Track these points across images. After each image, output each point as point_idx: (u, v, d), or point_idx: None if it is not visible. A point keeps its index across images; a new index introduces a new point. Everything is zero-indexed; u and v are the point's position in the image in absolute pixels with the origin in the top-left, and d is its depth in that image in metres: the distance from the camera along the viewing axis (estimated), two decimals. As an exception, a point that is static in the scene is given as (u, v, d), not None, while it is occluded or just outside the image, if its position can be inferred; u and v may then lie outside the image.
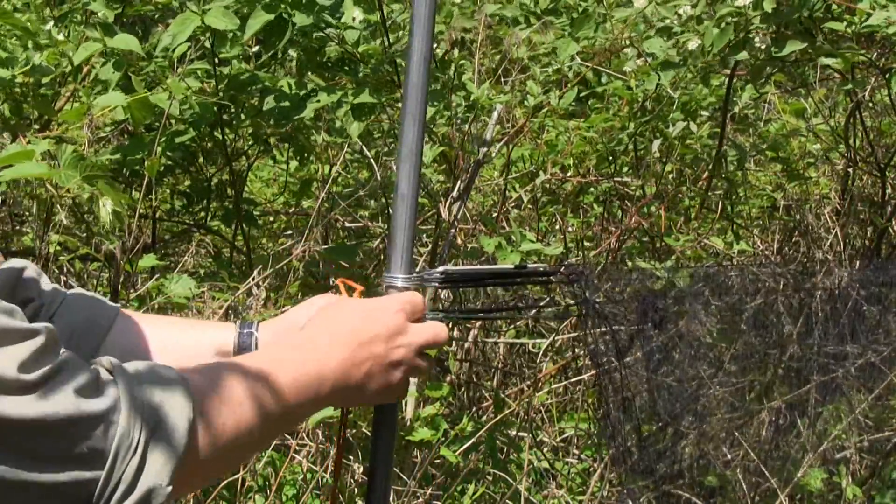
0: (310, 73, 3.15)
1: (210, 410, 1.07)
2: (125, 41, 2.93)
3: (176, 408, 1.03)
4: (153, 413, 1.01)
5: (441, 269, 1.43)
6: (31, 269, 1.35)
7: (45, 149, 2.51)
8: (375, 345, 1.26)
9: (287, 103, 3.07)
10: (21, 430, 0.95)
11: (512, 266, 1.52)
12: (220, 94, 3.12)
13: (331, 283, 3.46)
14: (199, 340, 1.43)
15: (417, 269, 1.40)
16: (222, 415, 1.08)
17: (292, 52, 3.27)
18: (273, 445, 3.20)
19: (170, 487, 1.01)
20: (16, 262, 1.34)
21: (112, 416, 0.99)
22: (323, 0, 2.90)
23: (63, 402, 0.97)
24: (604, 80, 3.61)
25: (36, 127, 3.24)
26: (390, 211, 3.52)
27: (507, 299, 4.02)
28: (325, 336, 1.25)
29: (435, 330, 1.33)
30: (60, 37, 3.18)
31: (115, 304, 1.43)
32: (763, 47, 2.81)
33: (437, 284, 1.42)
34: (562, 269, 1.53)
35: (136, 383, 1.03)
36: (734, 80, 3.39)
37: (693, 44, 2.99)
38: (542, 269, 1.55)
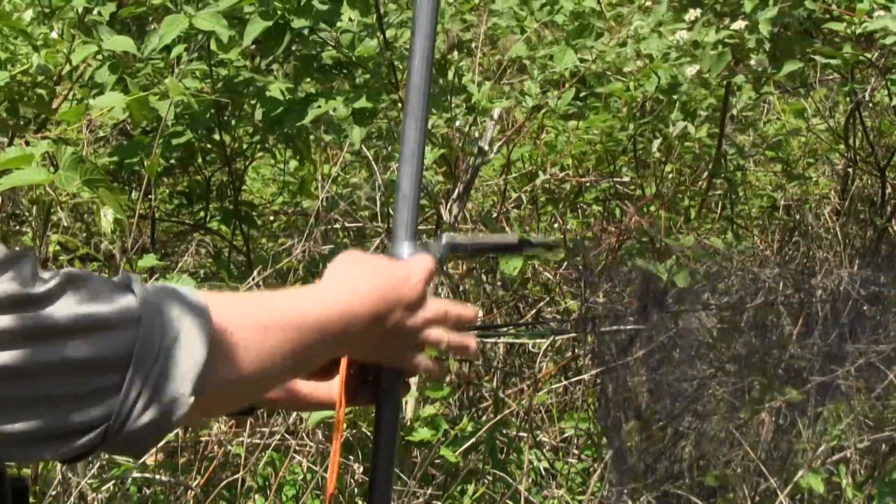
0: (307, 78, 3.14)
1: (230, 328, 1.05)
2: (121, 43, 2.93)
3: (195, 320, 1.01)
4: (171, 323, 0.99)
5: (445, 239, 1.42)
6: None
7: (45, 150, 2.50)
8: (398, 309, 1.24)
9: (281, 108, 3.07)
10: (38, 343, 0.92)
11: (517, 239, 1.51)
12: (218, 95, 3.12)
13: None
14: None
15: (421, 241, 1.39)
16: (243, 334, 1.06)
17: (293, 52, 3.27)
18: (273, 445, 3.20)
19: (192, 398, 0.99)
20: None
21: (130, 323, 0.96)
22: (319, 5, 2.90)
23: (77, 309, 0.94)
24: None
25: (33, 127, 3.24)
26: (391, 211, 3.53)
27: (507, 299, 4.03)
28: (351, 289, 1.22)
29: (445, 306, 1.30)
30: (54, 35, 3.17)
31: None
32: (760, 69, 2.82)
33: (444, 253, 1.40)
34: (566, 244, 1.53)
35: (154, 294, 1.00)
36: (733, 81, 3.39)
37: (691, 70, 2.99)
38: (549, 242, 1.53)
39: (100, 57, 3.02)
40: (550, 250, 1.56)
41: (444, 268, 3.17)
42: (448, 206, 3.28)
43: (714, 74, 2.89)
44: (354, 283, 1.23)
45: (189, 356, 0.99)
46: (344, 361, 1.47)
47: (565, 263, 3.99)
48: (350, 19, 3.06)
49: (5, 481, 1.10)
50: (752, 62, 2.84)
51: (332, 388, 1.42)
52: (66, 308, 0.94)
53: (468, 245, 1.48)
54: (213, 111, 3.17)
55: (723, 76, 2.94)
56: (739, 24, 2.79)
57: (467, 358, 1.32)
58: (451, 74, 3.33)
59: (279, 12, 2.90)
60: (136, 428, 0.97)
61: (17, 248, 0.97)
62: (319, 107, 3.01)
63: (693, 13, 2.91)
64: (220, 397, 1.06)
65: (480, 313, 3.91)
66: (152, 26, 3.48)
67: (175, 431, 3.22)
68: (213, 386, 1.02)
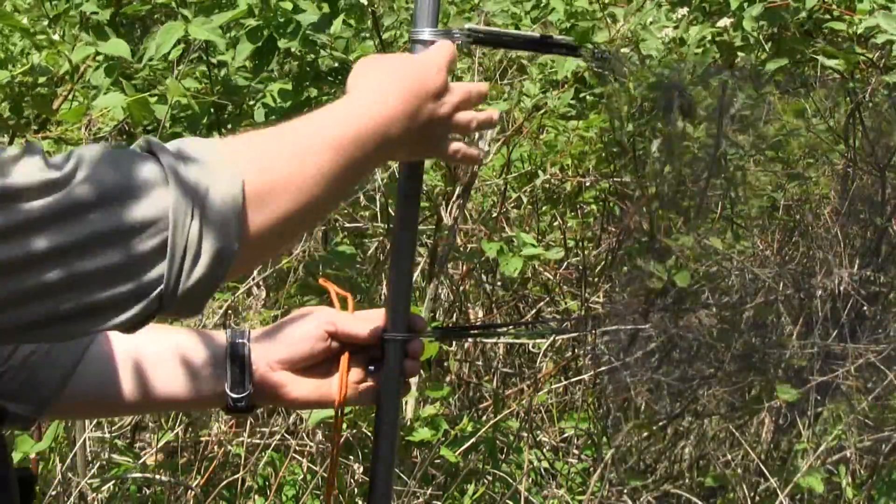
0: (305, 83, 3.14)
1: (264, 166, 1.03)
2: (116, 47, 2.93)
3: (226, 167, 1.00)
4: (202, 176, 0.97)
5: (468, 26, 1.42)
6: None
7: (45, 150, 2.50)
8: (427, 100, 1.23)
9: (277, 114, 3.07)
10: (74, 220, 0.92)
11: (538, 35, 1.50)
12: (217, 96, 3.12)
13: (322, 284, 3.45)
14: (190, 347, 1.39)
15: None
16: (279, 170, 1.04)
17: (291, 53, 3.27)
18: (273, 445, 3.20)
19: (237, 245, 0.98)
20: None
21: (158, 184, 0.95)
22: (309, 17, 2.90)
23: (104, 180, 0.93)
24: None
25: (34, 127, 3.24)
26: (391, 211, 3.53)
27: (507, 299, 4.03)
28: (377, 94, 1.20)
29: (466, 87, 1.30)
30: (56, 37, 3.17)
31: None
32: (747, 66, 2.82)
33: (464, 40, 1.40)
34: (588, 48, 1.52)
35: (178, 151, 0.99)
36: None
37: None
38: (571, 43, 1.52)
39: (98, 59, 3.02)
40: (573, 52, 1.54)
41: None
42: (448, 208, 3.28)
43: (699, 72, 2.89)
44: (381, 87, 1.21)
45: (226, 205, 0.98)
46: (344, 359, 1.47)
47: (565, 263, 3.99)
48: (345, 23, 3.05)
49: (11, 472, 1.10)
50: (738, 60, 2.84)
51: (332, 386, 1.42)
52: (92, 182, 0.93)
53: (489, 34, 1.48)
54: (211, 111, 3.17)
55: (714, 75, 2.94)
56: (725, 22, 2.79)
57: (491, 127, 1.33)
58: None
59: (266, 33, 2.91)
60: (190, 285, 0.97)
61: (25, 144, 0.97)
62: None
63: (681, 12, 2.91)
64: (272, 236, 1.04)
65: (480, 313, 3.91)
66: (156, 27, 3.48)
67: (176, 433, 3.23)
68: (258, 229, 1.01)
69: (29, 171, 0.92)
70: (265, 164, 1.04)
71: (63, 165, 0.94)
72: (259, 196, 1.02)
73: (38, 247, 0.91)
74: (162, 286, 0.96)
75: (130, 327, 0.98)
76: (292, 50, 3.11)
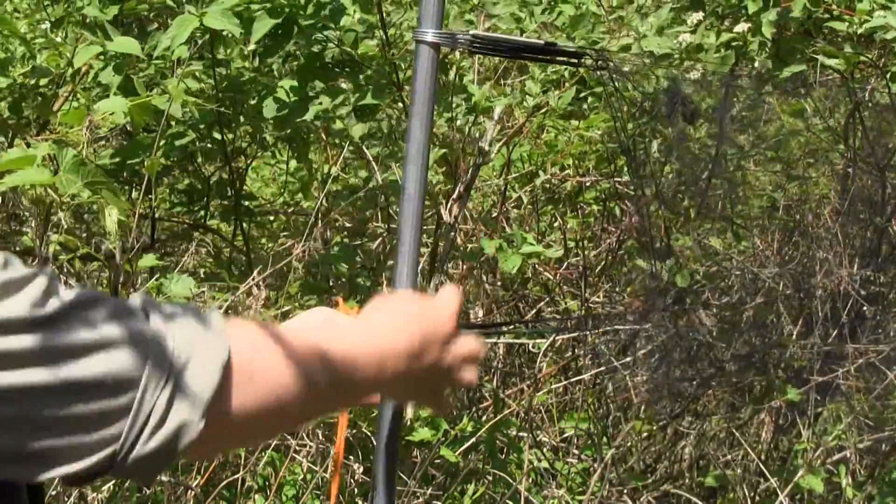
0: (311, 76, 3.15)
1: (249, 354, 1.01)
2: (124, 44, 2.93)
3: (211, 344, 0.98)
4: (185, 346, 0.97)
5: (472, 32, 1.43)
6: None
7: (46, 153, 2.50)
8: (432, 347, 1.21)
9: (287, 109, 3.08)
10: (47, 364, 0.91)
11: (542, 42, 1.50)
12: (220, 95, 3.12)
13: (331, 284, 3.46)
14: None
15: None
16: (263, 361, 1.02)
17: (293, 53, 3.27)
18: (273, 445, 3.20)
19: (202, 423, 0.96)
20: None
21: (140, 345, 0.94)
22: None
23: (88, 329, 0.92)
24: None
25: (35, 128, 3.24)
26: (391, 212, 3.53)
27: (507, 299, 4.03)
28: (384, 325, 1.18)
29: (475, 344, 1.27)
30: (58, 39, 3.17)
31: None
32: (763, 70, 2.82)
33: (467, 46, 1.41)
34: (590, 52, 1.53)
35: (168, 316, 0.98)
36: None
37: (695, 73, 2.99)
38: (575, 51, 1.52)
39: (102, 58, 3.02)
40: (576, 59, 1.54)
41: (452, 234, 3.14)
42: (448, 206, 3.28)
43: (717, 78, 2.89)
44: (392, 320, 1.20)
45: (201, 380, 0.96)
46: None
47: (565, 263, 3.99)
48: (352, 16, 3.06)
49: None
50: (757, 64, 2.84)
51: None
52: (75, 329, 0.92)
53: (493, 41, 1.48)
54: (214, 110, 3.17)
55: (723, 81, 2.95)
56: (742, 27, 2.79)
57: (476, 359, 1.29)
58: (452, 74, 3.33)
59: (287, 10, 2.90)
60: (144, 453, 0.95)
61: (35, 266, 0.96)
62: (321, 103, 3.02)
63: (695, 16, 2.91)
64: (235, 428, 1.02)
65: (480, 313, 3.91)
66: (153, 26, 3.48)
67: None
68: (227, 413, 0.99)
69: (18, 303, 0.91)
70: (253, 351, 1.02)
71: (58, 302, 0.93)
72: (239, 382, 1.00)
73: (4, 381, 0.90)
74: (116, 445, 0.94)
75: (75, 480, 0.97)
76: (293, 49, 3.11)
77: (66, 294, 0.94)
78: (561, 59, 1.54)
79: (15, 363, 0.90)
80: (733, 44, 2.85)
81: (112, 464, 0.95)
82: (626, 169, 3.84)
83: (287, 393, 1.04)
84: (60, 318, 0.93)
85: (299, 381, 1.04)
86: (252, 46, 2.97)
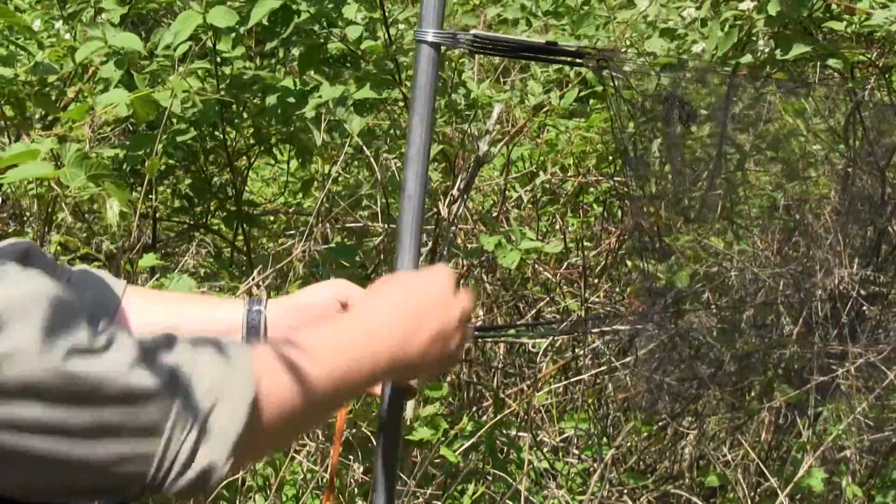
0: (311, 71, 3.15)
1: (272, 387, 1.04)
2: (127, 40, 2.93)
3: (237, 385, 1.01)
4: (212, 389, 0.99)
5: (473, 32, 1.44)
6: (34, 246, 1.35)
7: (49, 148, 2.51)
8: (433, 316, 1.25)
9: (291, 99, 3.08)
10: (78, 404, 0.93)
11: (543, 42, 1.51)
12: (222, 92, 3.12)
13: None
14: (207, 318, 1.43)
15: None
16: (284, 391, 1.06)
17: (294, 51, 3.27)
18: (273, 445, 3.20)
19: (228, 465, 0.99)
20: (19, 240, 1.34)
21: (169, 389, 0.97)
22: None
23: (120, 372, 0.95)
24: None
25: (39, 126, 3.24)
26: (390, 211, 3.53)
27: (507, 299, 4.03)
28: (385, 309, 1.23)
29: (469, 300, 1.33)
30: (67, 36, 3.18)
31: (121, 281, 1.43)
32: (767, 50, 2.81)
33: (468, 46, 1.42)
34: (590, 52, 1.53)
35: (196, 358, 1.01)
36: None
37: (698, 47, 2.99)
38: (577, 50, 1.53)
39: (104, 55, 3.02)
40: (578, 59, 1.54)
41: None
42: (447, 203, 3.28)
43: (721, 53, 2.88)
44: (392, 299, 1.25)
45: (228, 423, 0.99)
46: None
47: (566, 263, 3.99)
48: (355, 12, 3.06)
49: None
50: (760, 43, 2.83)
51: None
52: (107, 372, 0.95)
53: (493, 40, 1.49)
54: (216, 108, 3.17)
55: (729, 57, 2.93)
56: (748, 4, 2.78)
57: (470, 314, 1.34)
58: (452, 72, 3.33)
59: None
60: (172, 491, 0.98)
61: (69, 300, 0.97)
62: (320, 96, 3.02)
63: None
64: (262, 448, 1.08)
65: (480, 313, 3.91)
66: (152, 23, 3.49)
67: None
68: (253, 442, 1.02)
69: (53, 341, 0.93)
70: (277, 382, 1.06)
71: (94, 342, 0.95)
72: (264, 410, 1.03)
73: (35, 416, 0.93)
74: (144, 483, 0.98)
75: None
76: (298, 39, 3.11)
77: (100, 334, 0.96)
78: (561, 58, 1.55)
79: (46, 400, 0.93)
80: (738, 22, 2.85)
81: (139, 497, 0.98)
82: (628, 168, 3.84)
83: (307, 406, 1.08)
84: (94, 359, 0.95)
85: (316, 394, 1.09)
86: (251, 24, 2.95)
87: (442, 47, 1.43)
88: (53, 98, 3.26)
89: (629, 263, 3.83)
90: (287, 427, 1.07)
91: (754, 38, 2.87)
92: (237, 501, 3.12)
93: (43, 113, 3.31)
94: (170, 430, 0.96)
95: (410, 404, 3.18)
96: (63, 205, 2.80)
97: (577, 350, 3.76)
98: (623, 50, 3.38)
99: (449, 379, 3.67)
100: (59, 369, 0.93)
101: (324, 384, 1.10)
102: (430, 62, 1.42)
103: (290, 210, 4.21)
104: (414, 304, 1.24)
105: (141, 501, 1.01)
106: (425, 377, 1.37)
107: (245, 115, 3.39)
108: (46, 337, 0.93)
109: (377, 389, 1.45)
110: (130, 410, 0.95)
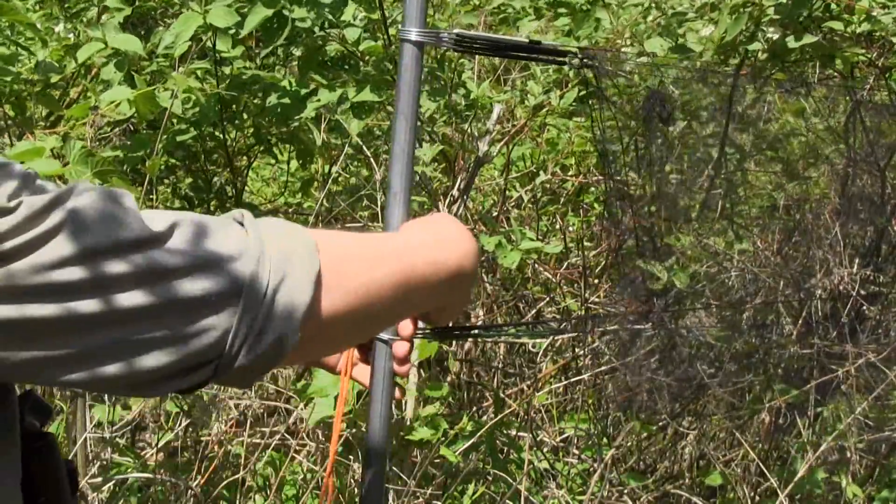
0: (311, 72, 3.15)
1: (337, 263, 1.07)
2: (126, 41, 2.94)
3: (303, 259, 1.03)
4: (280, 264, 1.01)
5: (456, 31, 1.45)
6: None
7: (53, 146, 2.51)
8: (464, 240, 1.27)
9: (288, 100, 3.08)
10: (152, 284, 0.94)
11: (528, 40, 1.52)
12: (222, 94, 3.13)
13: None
14: None
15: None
16: (351, 267, 1.08)
17: (294, 51, 3.28)
18: (273, 445, 3.20)
19: (297, 336, 1.01)
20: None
21: (239, 263, 0.98)
22: None
23: (189, 249, 0.96)
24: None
25: (42, 124, 3.25)
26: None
27: (507, 299, 4.03)
28: (440, 233, 1.26)
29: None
30: (70, 36, 3.18)
31: None
32: (776, 37, 2.80)
33: (451, 46, 1.43)
34: (576, 52, 1.53)
35: (264, 232, 1.02)
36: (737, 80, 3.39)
37: (706, 30, 2.99)
38: (561, 48, 1.54)
39: (105, 55, 3.03)
40: (561, 57, 1.55)
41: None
42: (447, 203, 3.28)
43: (731, 35, 2.87)
44: (447, 231, 1.26)
45: (296, 296, 1.01)
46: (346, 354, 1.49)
47: (566, 263, 3.99)
48: (354, 16, 3.06)
49: (62, 471, 1.12)
50: (770, 30, 2.83)
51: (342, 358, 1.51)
52: (177, 248, 0.96)
53: (476, 39, 1.50)
54: (216, 108, 3.18)
55: (738, 43, 2.93)
56: None
57: None
58: (452, 73, 3.33)
59: (281, 1, 2.91)
60: (245, 363, 0.99)
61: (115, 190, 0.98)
62: (319, 100, 3.02)
63: None
64: (329, 331, 1.08)
65: (480, 313, 3.91)
66: (159, 28, 3.49)
67: (177, 433, 3.23)
68: (320, 320, 1.04)
69: (116, 228, 0.94)
70: (340, 259, 1.08)
71: (158, 224, 0.96)
72: (330, 290, 1.05)
73: (122, 303, 0.94)
74: (218, 361, 0.99)
75: (184, 391, 1.02)
76: (297, 42, 3.11)
77: (163, 217, 0.97)
78: (545, 57, 1.55)
79: (122, 285, 0.93)
80: (747, 8, 2.84)
81: (215, 374, 1.00)
82: (625, 169, 3.84)
83: (373, 293, 1.10)
84: (162, 239, 0.96)
85: (384, 281, 1.12)
86: (245, 31, 2.96)
87: (435, 47, 1.44)
88: (57, 98, 3.27)
89: (629, 263, 3.83)
90: (353, 312, 1.08)
91: (763, 29, 2.87)
92: (237, 501, 3.12)
93: (45, 113, 3.32)
94: (243, 302, 0.98)
95: (410, 404, 3.18)
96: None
97: (577, 350, 3.76)
98: (620, 49, 3.38)
99: (449, 379, 3.68)
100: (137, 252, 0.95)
101: (384, 284, 1.11)
102: (413, 60, 1.43)
103: (290, 210, 4.21)
104: (458, 240, 1.25)
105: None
106: (447, 317, 1.37)
107: (245, 115, 3.39)
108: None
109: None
110: (204, 283, 0.96)
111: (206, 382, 1.01)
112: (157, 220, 0.97)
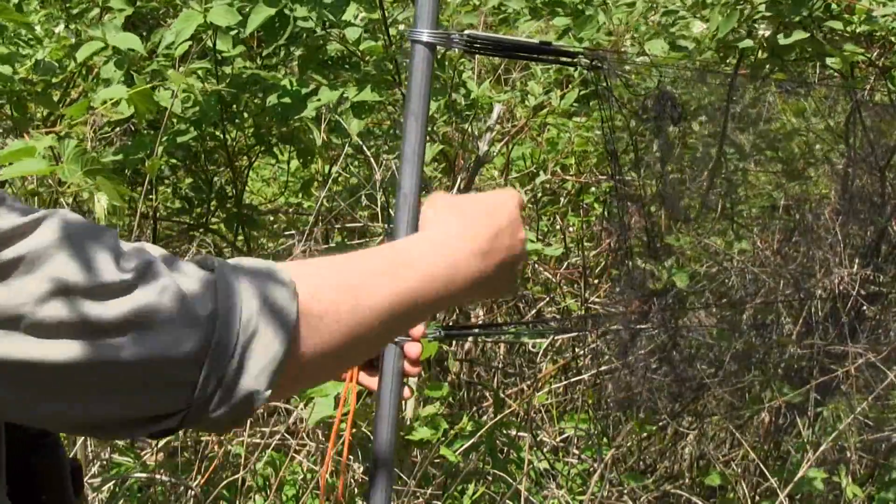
0: (310, 72, 3.15)
1: (319, 309, 1.02)
2: (126, 40, 2.94)
3: (277, 313, 0.98)
4: (251, 318, 0.97)
5: (468, 32, 1.44)
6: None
7: (48, 145, 2.51)
8: (503, 237, 1.22)
9: (289, 100, 3.08)
10: (114, 336, 0.91)
11: (537, 42, 1.51)
12: (222, 93, 3.13)
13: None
14: None
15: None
16: (332, 308, 1.03)
17: (294, 51, 3.28)
18: (273, 445, 3.20)
19: (268, 392, 0.97)
20: None
21: (207, 318, 0.95)
22: None
23: (155, 302, 0.93)
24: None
25: (38, 124, 3.25)
26: (390, 211, 3.53)
27: (507, 299, 4.03)
28: (454, 228, 1.20)
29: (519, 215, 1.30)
30: (71, 37, 3.18)
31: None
32: (767, 34, 2.80)
33: (462, 46, 1.42)
34: (584, 52, 1.53)
35: (236, 280, 0.98)
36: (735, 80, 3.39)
37: (698, 27, 2.98)
38: (570, 50, 1.53)
39: (105, 54, 3.03)
40: (571, 59, 1.54)
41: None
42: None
43: (722, 33, 2.87)
44: (458, 219, 1.22)
45: (267, 351, 0.97)
46: None
47: (566, 263, 3.99)
48: (355, 16, 3.06)
49: (66, 470, 1.12)
50: (761, 28, 2.83)
51: None
52: (144, 300, 0.92)
53: (487, 40, 1.49)
54: (217, 107, 3.18)
55: (730, 41, 2.93)
56: None
57: None
58: (453, 72, 3.33)
59: (283, 1, 2.91)
60: (212, 419, 0.97)
61: (101, 226, 0.96)
62: (319, 100, 3.02)
63: None
64: (311, 371, 1.04)
65: (480, 313, 3.91)
66: (152, 23, 3.49)
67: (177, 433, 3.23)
68: (299, 364, 1.00)
69: (81, 272, 0.91)
70: (321, 302, 1.02)
71: (126, 272, 0.93)
72: (307, 328, 1.01)
73: (73, 353, 0.91)
74: (186, 412, 0.96)
75: (149, 437, 1.00)
76: (298, 41, 3.11)
77: (132, 259, 0.94)
78: (555, 58, 1.54)
79: (84, 333, 0.90)
80: (738, 6, 2.84)
81: (181, 425, 0.97)
82: (625, 168, 3.85)
83: (358, 328, 1.05)
84: (128, 290, 0.92)
85: (369, 314, 1.06)
86: (248, 31, 2.96)
87: (438, 47, 1.43)
88: (56, 98, 3.27)
89: (629, 263, 3.83)
90: (331, 345, 1.03)
91: (756, 26, 2.87)
92: (237, 501, 3.12)
93: (45, 113, 3.32)
94: (210, 358, 0.94)
95: (410, 404, 3.18)
96: (63, 203, 2.80)
97: (577, 350, 3.76)
98: (622, 50, 3.38)
99: (449, 379, 3.68)
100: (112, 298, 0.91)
101: (379, 306, 1.06)
102: (424, 62, 1.42)
103: (290, 210, 4.21)
104: (485, 226, 1.21)
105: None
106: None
107: (245, 115, 3.39)
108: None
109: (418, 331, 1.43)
110: (171, 338, 0.93)
111: (171, 433, 0.98)
112: (122, 267, 0.93)
